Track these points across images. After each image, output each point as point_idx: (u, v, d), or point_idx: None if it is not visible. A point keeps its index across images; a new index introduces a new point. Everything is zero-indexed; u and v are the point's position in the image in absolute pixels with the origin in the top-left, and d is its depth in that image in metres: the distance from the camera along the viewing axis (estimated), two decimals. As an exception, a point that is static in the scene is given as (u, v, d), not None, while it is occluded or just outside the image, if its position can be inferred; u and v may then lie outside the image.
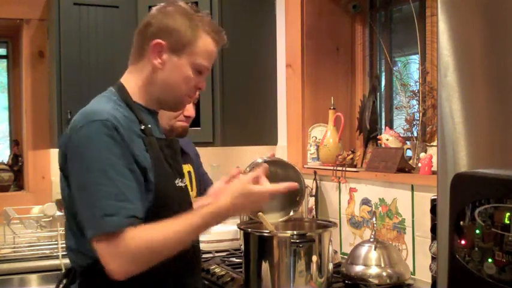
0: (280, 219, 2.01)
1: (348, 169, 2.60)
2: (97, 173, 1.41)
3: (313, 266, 1.96)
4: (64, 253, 2.74)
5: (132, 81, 1.63)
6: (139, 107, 1.60)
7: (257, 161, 1.98)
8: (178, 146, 1.71)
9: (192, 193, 2.23)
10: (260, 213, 1.86)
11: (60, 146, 1.53)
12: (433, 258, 1.62)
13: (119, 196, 1.41)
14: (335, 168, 2.64)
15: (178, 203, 1.60)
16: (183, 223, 1.48)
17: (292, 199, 2.07)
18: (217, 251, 2.76)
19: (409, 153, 2.46)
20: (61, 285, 1.65)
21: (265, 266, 1.96)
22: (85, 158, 1.43)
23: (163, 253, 1.46)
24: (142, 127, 1.55)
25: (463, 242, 1.08)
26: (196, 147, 2.56)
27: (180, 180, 1.65)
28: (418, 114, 2.39)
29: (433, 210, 1.45)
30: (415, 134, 2.40)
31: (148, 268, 1.44)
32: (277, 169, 2.02)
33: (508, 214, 1.00)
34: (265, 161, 1.98)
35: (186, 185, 1.69)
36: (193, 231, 1.51)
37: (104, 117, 1.45)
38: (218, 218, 1.54)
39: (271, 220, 1.97)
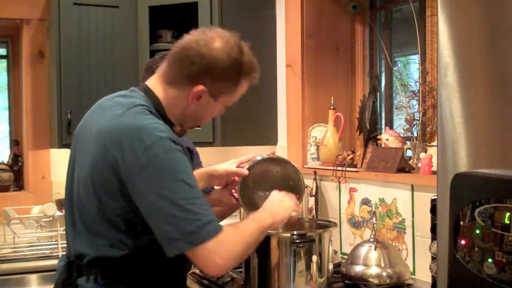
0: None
1: (348, 169, 2.60)
2: (187, 185, 1.48)
3: (313, 266, 1.96)
4: (64, 253, 2.74)
5: (164, 98, 1.66)
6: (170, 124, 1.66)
7: (256, 159, 1.97)
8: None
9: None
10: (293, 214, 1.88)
11: (126, 159, 1.49)
12: (433, 258, 1.62)
13: (207, 204, 1.51)
14: (335, 168, 2.64)
15: None
16: (254, 225, 1.63)
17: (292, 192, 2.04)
18: (217, 251, 2.75)
19: (409, 153, 2.46)
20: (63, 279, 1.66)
21: (265, 266, 1.96)
22: (170, 171, 1.47)
23: (251, 248, 1.62)
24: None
25: (463, 242, 1.08)
26: (196, 147, 2.56)
27: None
28: (418, 114, 2.39)
29: (433, 210, 1.45)
30: (415, 134, 2.40)
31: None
32: (276, 167, 2.01)
33: (508, 214, 1.00)
34: (264, 159, 1.98)
35: None
36: (261, 233, 1.65)
37: (170, 134, 1.52)
38: (264, 224, 1.68)
39: None
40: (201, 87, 1.61)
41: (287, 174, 1.98)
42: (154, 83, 1.68)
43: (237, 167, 1.92)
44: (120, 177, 1.50)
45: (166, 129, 1.55)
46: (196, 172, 1.86)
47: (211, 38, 1.61)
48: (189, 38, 1.64)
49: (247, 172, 1.88)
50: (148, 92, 1.65)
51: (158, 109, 1.63)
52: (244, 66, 1.64)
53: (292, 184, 1.99)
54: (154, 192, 1.46)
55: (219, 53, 1.60)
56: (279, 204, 1.80)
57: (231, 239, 1.52)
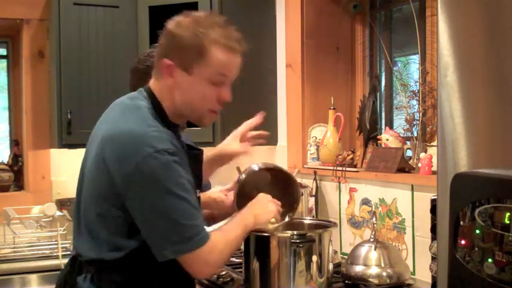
0: (276, 225, 1.97)
1: (348, 169, 2.60)
2: (177, 199, 1.52)
3: (313, 266, 1.96)
4: (64, 253, 2.74)
5: (158, 95, 1.65)
6: (173, 124, 1.66)
7: (253, 168, 1.98)
8: (202, 157, 1.79)
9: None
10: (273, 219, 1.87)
11: (122, 168, 1.52)
12: (433, 258, 1.62)
13: (198, 214, 1.56)
14: (335, 168, 2.64)
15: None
16: (239, 229, 1.70)
17: (288, 204, 2.03)
18: (217, 251, 2.75)
19: (409, 153, 2.46)
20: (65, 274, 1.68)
21: (265, 266, 1.96)
22: (162, 185, 1.50)
23: (234, 251, 1.71)
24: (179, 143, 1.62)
25: (463, 242, 1.08)
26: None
27: (199, 190, 1.72)
28: (418, 114, 2.39)
29: (433, 210, 1.45)
30: (415, 134, 2.40)
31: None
32: (271, 175, 2.01)
33: (508, 214, 1.00)
34: (261, 168, 1.98)
35: (199, 196, 1.75)
36: (245, 236, 1.76)
37: (168, 145, 1.52)
38: (248, 227, 1.76)
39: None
40: (167, 61, 1.60)
41: (284, 182, 1.98)
42: (154, 85, 1.68)
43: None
44: (116, 185, 1.53)
45: (166, 137, 1.54)
46: (209, 157, 1.97)
47: (183, 19, 1.63)
48: None
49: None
50: (149, 92, 1.66)
51: (160, 109, 1.63)
52: (209, 34, 1.58)
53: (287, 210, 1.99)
54: (147, 203, 1.50)
55: (181, 27, 1.60)
56: (263, 207, 1.82)
57: (217, 247, 1.59)
